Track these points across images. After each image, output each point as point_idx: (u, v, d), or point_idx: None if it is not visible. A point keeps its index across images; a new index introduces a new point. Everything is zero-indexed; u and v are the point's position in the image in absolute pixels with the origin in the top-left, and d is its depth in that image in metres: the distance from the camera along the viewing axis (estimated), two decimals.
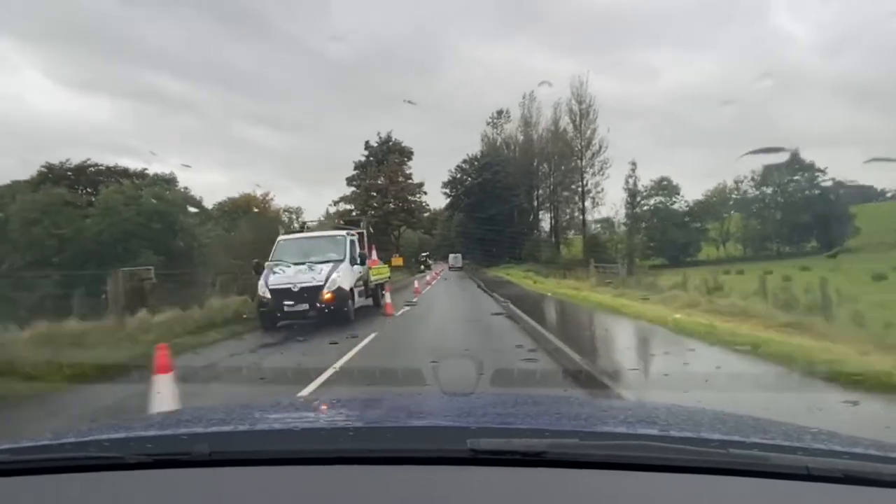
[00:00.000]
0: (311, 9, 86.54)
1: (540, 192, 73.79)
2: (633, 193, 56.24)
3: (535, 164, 72.42)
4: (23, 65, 72.91)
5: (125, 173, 40.24)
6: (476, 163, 70.67)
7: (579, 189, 62.35)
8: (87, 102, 78.49)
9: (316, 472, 1.10)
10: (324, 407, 1.95)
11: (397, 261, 52.57)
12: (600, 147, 60.38)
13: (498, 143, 74.04)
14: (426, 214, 60.72)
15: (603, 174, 60.12)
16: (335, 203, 57.66)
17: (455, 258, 76.53)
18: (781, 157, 54.04)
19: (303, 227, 25.78)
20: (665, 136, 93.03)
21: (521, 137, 75.68)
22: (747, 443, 1.20)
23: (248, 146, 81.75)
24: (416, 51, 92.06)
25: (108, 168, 42.15)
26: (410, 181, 60.12)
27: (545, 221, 74.53)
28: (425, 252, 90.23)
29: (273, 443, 1.24)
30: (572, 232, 67.75)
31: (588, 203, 61.14)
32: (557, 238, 69.77)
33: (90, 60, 76.84)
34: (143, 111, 78.21)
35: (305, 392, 6.07)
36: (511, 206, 66.47)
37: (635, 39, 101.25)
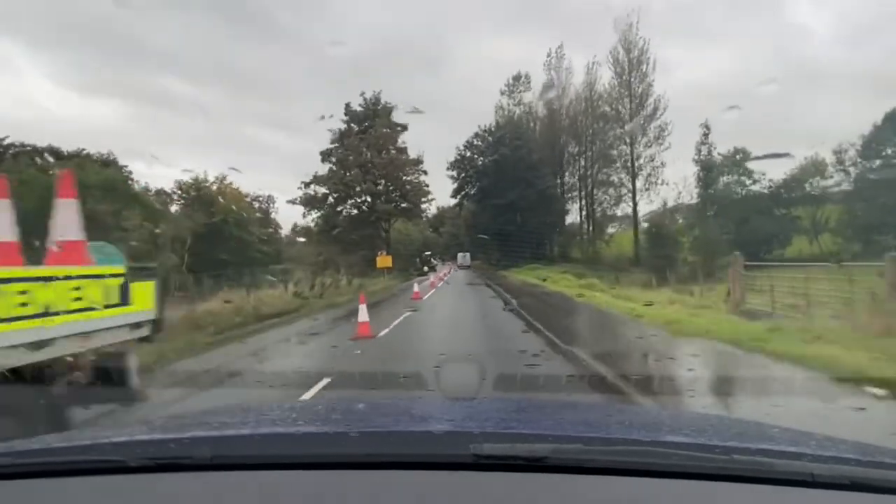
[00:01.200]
0: (314, 7, 77.86)
1: (566, 176, 58.61)
2: (707, 167, 40.76)
3: (561, 140, 57.30)
4: (29, 69, 65.11)
5: (57, 154, 34.38)
6: (490, 136, 55.45)
7: (627, 165, 46.79)
8: (91, 105, 69.89)
9: (318, 476, 1.09)
10: (326, 411, 1.92)
11: (384, 261, 37.55)
12: (656, 107, 45.01)
13: (516, 116, 58.56)
14: (426, 202, 45.55)
15: (661, 143, 44.66)
16: (306, 185, 42.65)
17: (464, 257, 68.29)
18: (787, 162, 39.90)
19: None
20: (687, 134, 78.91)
21: (542, 112, 60.51)
22: (751, 449, 1.16)
23: (254, 147, 75.45)
24: (421, 48, 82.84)
25: (35, 148, 34.70)
26: (405, 156, 44.96)
27: (573, 212, 59.31)
28: (429, 251, 75.65)
29: (275, 447, 1.22)
30: (619, 225, 52.05)
31: (640, 183, 45.60)
32: (594, 231, 54.51)
33: (93, 63, 68.28)
34: (149, 113, 72.26)
35: (308, 396, 5.70)
36: (536, 191, 51.26)
37: (648, 34, 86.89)
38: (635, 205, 45.34)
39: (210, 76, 79.70)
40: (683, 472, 1.04)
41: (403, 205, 44.31)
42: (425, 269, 62.42)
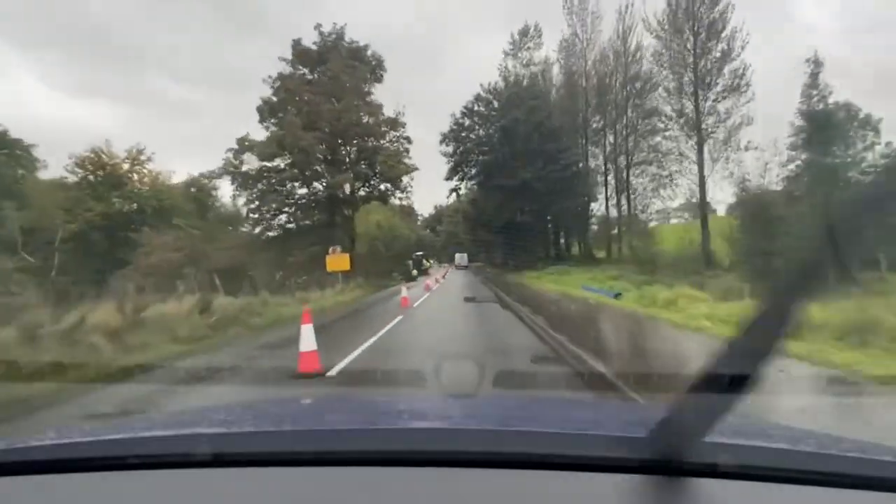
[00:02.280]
0: (310, 6, 72.56)
1: (589, 158, 44.83)
2: (821, 121, 27.02)
3: (586, 106, 43.72)
4: (21, 71, 61.73)
5: None
6: (497, 98, 41.79)
7: (686, 127, 32.97)
8: (85, 106, 67.73)
9: (318, 473, 1.08)
10: (327, 408, 1.91)
11: (337, 261, 23.97)
12: (729, 45, 31.29)
13: (525, 80, 44.56)
14: (408, 177, 31.46)
15: (741, 92, 30.92)
16: (237, 153, 28.83)
17: (461, 257, 61.59)
18: None
19: None
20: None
21: (559, 75, 46.89)
22: (750, 446, 1.15)
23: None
24: (420, 46, 75.40)
25: None
26: (381, 116, 31.21)
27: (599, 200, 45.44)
28: (420, 251, 62.15)
29: (276, 443, 1.20)
30: (675, 212, 38.46)
31: (706, 152, 31.76)
32: (630, 221, 40.86)
33: (86, 64, 64.88)
34: (145, 114, 68.58)
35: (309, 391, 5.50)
36: (557, 168, 37.69)
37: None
38: (702, 182, 31.54)
39: (204, 76, 75.79)
40: (692, 469, 1.01)
41: (376, 181, 30.47)
42: (414, 272, 48.92)
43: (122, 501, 1.04)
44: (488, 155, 40.22)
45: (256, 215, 28.63)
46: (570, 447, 1.10)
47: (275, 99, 28.95)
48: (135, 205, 36.63)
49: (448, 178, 43.01)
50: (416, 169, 31.00)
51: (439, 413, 1.62)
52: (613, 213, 43.86)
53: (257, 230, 28.62)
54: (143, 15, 67.18)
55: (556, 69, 46.07)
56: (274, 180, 29.10)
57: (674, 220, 49.60)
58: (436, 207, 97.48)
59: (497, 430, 1.31)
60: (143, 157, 37.48)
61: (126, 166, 37.43)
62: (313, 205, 28.79)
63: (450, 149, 42.46)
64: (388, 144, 30.84)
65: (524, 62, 45.05)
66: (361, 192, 31.17)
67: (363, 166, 29.41)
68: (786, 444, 1.26)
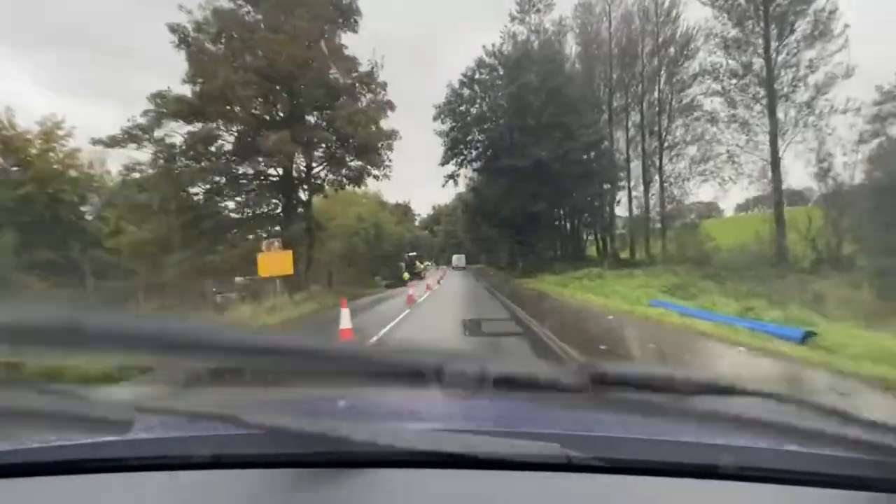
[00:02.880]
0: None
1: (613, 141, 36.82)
2: None
3: (610, 81, 35.81)
4: (15, 72, 55.20)
5: None
6: (503, 63, 33.77)
7: (751, 87, 25.00)
8: (83, 106, 64.45)
9: (318, 474, 1.07)
10: (327, 406, 1.80)
11: (271, 261, 15.83)
12: None
13: (535, 43, 36.36)
14: (386, 147, 23.44)
15: (828, 40, 23.01)
16: (154, 117, 20.90)
17: (459, 258, 58.64)
18: None
19: None
20: None
21: (573, 46, 38.99)
22: (749, 446, 1.07)
23: None
24: (418, 46, 69.14)
25: None
26: (353, 72, 23.25)
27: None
28: (414, 251, 54.34)
29: (275, 444, 1.18)
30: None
31: (783, 112, 23.77)
32: (664, 216, 32.97)
33: (81, 66, 62.05)
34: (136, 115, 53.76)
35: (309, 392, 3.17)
36: (580, 147, 29.90)
37: None
38: (776, 158, 23.60)
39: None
40: (676, 470, 0.99)
41: (342, 152, 22.50)
42: (406, 276, 40.99)
43: (122, 503, 1.03)
44: (492, 132, 32.39)
45: (182, 197, 20.68)
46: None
47: (199, 37, 20.86)
48: (50, 190, 28.93)
49: (444, 163, 35.05)
50: (397, 135, 23.07)
51: (439, 413, 1.58)
52: (636, 204, 35.99)
53: (179, 220, 20.69)
54: (144, 14, 61.53)
55: (570, 38, 38.17)
56: (211, 151, 21.15)
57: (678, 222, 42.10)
58: (434, 208, 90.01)
59: (495, 430, 1.29)
60: (60, 132, 29.67)
61: (39, 143, 29.55)
62: (254, 186, 20.85)
63: (446, 126, 34.55)
64: (361, 109, 22.88)
65: (533, 27, 36.99)
66: (323, 172, 23.23)
67: (327, 131, 21.41)
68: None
